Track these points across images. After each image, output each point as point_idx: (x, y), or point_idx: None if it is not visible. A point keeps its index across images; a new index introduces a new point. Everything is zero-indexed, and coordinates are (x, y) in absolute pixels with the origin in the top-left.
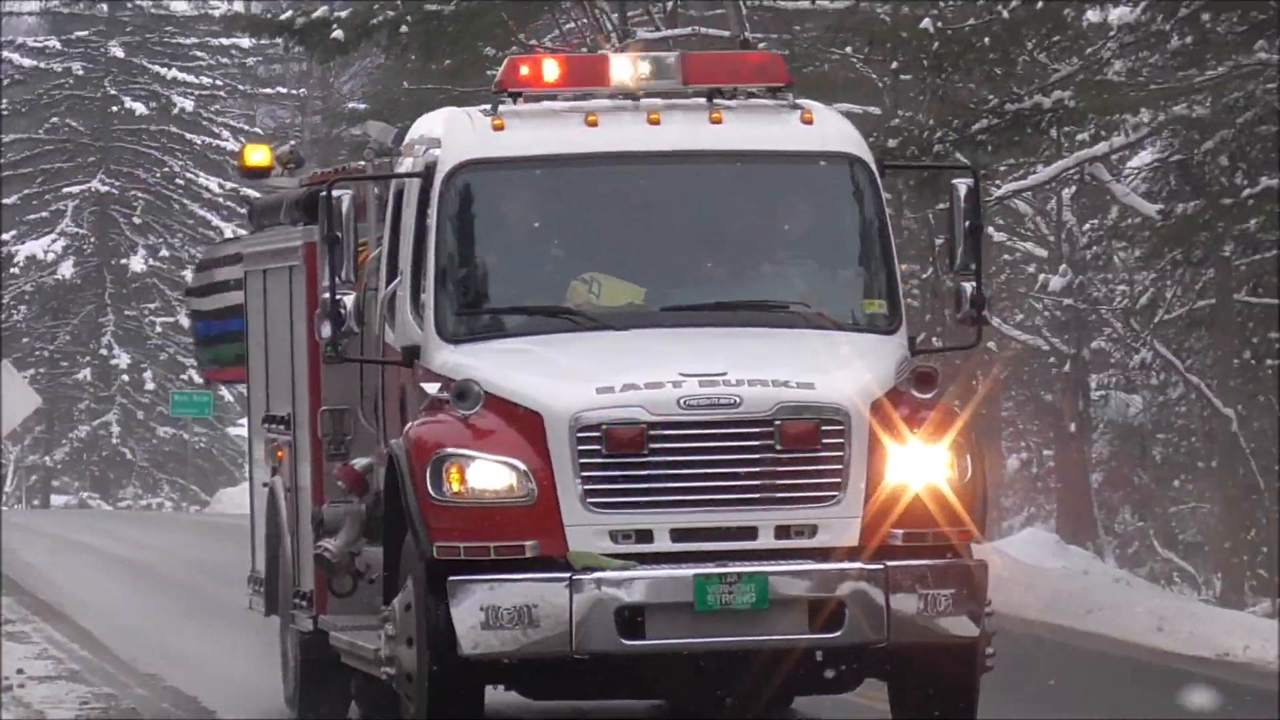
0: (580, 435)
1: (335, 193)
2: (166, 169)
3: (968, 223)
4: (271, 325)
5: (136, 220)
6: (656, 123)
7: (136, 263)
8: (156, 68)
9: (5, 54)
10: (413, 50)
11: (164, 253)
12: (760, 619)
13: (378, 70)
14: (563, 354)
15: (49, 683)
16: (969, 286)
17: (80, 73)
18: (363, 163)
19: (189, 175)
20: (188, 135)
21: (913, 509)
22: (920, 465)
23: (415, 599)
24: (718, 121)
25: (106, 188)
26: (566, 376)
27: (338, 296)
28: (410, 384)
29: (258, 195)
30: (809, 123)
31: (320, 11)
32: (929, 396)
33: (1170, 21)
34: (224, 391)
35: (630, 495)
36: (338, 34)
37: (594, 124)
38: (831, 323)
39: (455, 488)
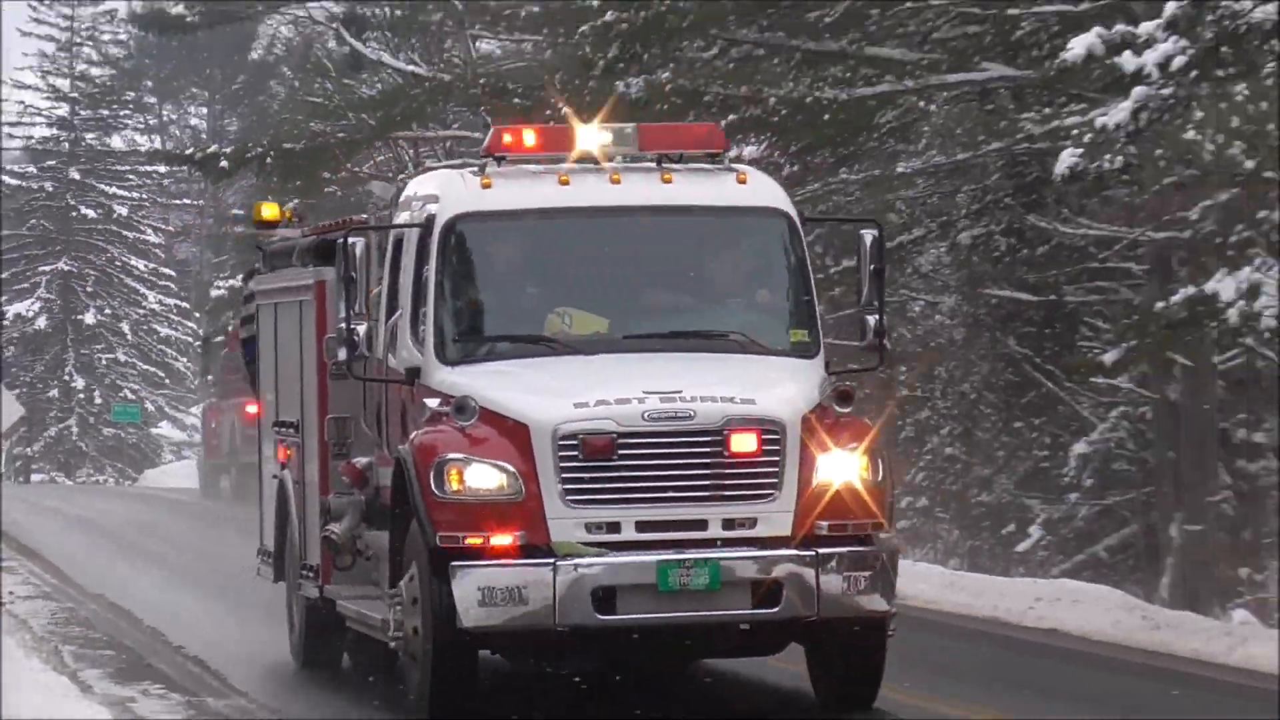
0: (560, 443)
1: (351, 240)
2: (109, 254)
3: (873, 266)
4: (282, 348)
5: (89, 289)
6: (618, 182)
7: (89, 318)
8: (102, 185)
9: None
10: (274, 174)
11: (108, 310)
12: (712, 598)
13: (251, 187)
14: (543, 375)
15: (30, 601)
16: (873, 320)
17: (50, 189)
18: (365, 215)
19: (124, 259)
20: (124, 232)
21: (835, 504)
22: (840, 468)
23: (420, 580)
24: (668, 181)
25: (69, 267)
26: (548, 394)
27: (352, 326)
28: (411, 399)
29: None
30: (743, 183)
31: (212, 149)
32: (848, 411)
33: None
34: (149, 404)
35: (601, 493)
36: (225, 164)
37: (565, 183)
38: (763, 349)
39: (455, 487)
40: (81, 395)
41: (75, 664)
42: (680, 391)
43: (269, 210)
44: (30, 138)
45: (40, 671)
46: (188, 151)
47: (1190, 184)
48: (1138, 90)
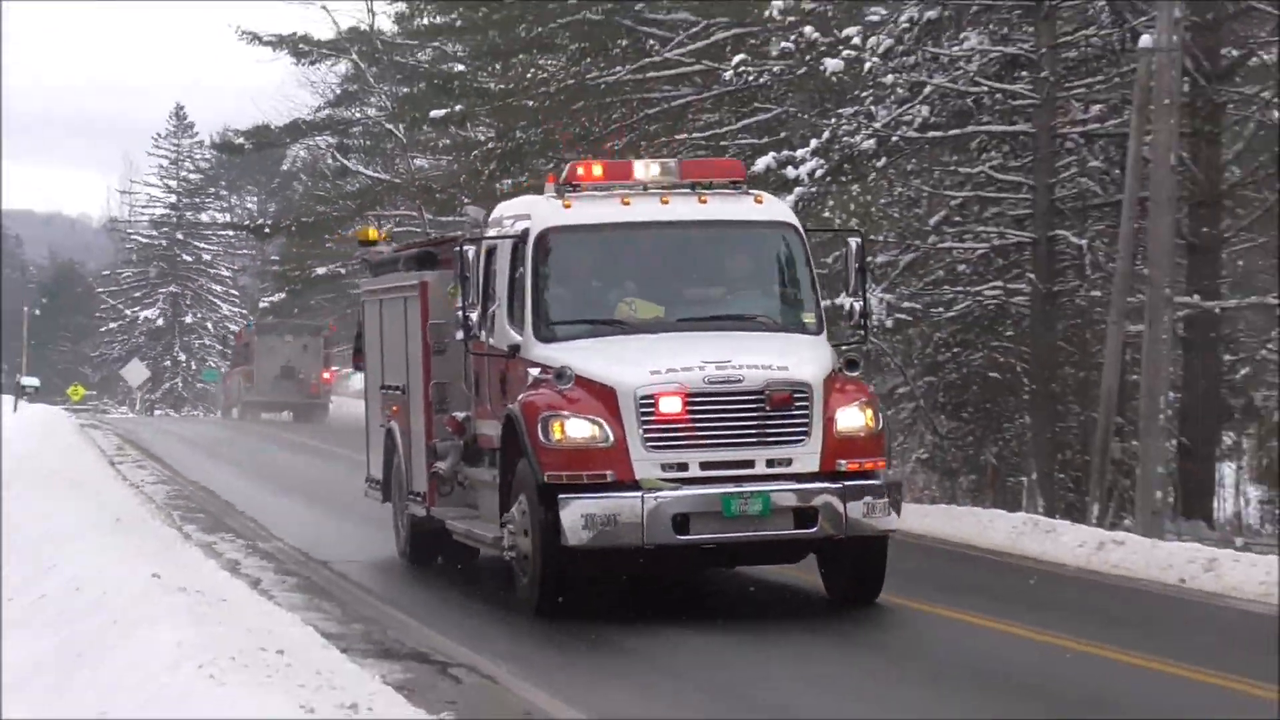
0: (641, 402)
1: (465, 247)
2: (199, 282)
3: (857, 265)
4: (387, 332)
5: (188, 302)
6: (666, 203)
7: (188, 319)
8: (195, 242)
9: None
10: (296, 236)
11: (198, 314)
12: (764, 521)
13: (283, 245)
14: (621, 349)
15: (154, 485)
16: (858, 305)
17: (164, 243)
18: (460, 233)
19: (208, 285)
20: (208, 269)
21: (850, 446)
22: (853, 418)
23: (530, 508)
24: (704, 203)
25: (175, 289)
26: (628, 364)
27: (468, 314)
28: (513, 369)
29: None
30: (760, 203)
31: (260, 221)
32: (856, 375)
33: None
34: (221, 370)
35: (673, 440)
36: (267, 230)
37: (627, 204)
38: (783, 328)
39: (557, 436)
40: (183, 364)
41: (181, 522)
42: (730, 361)
43: (371, 233)
44: (155, 214)
45: (160, 526)
46: (245, 223)
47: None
48: (798, 190)
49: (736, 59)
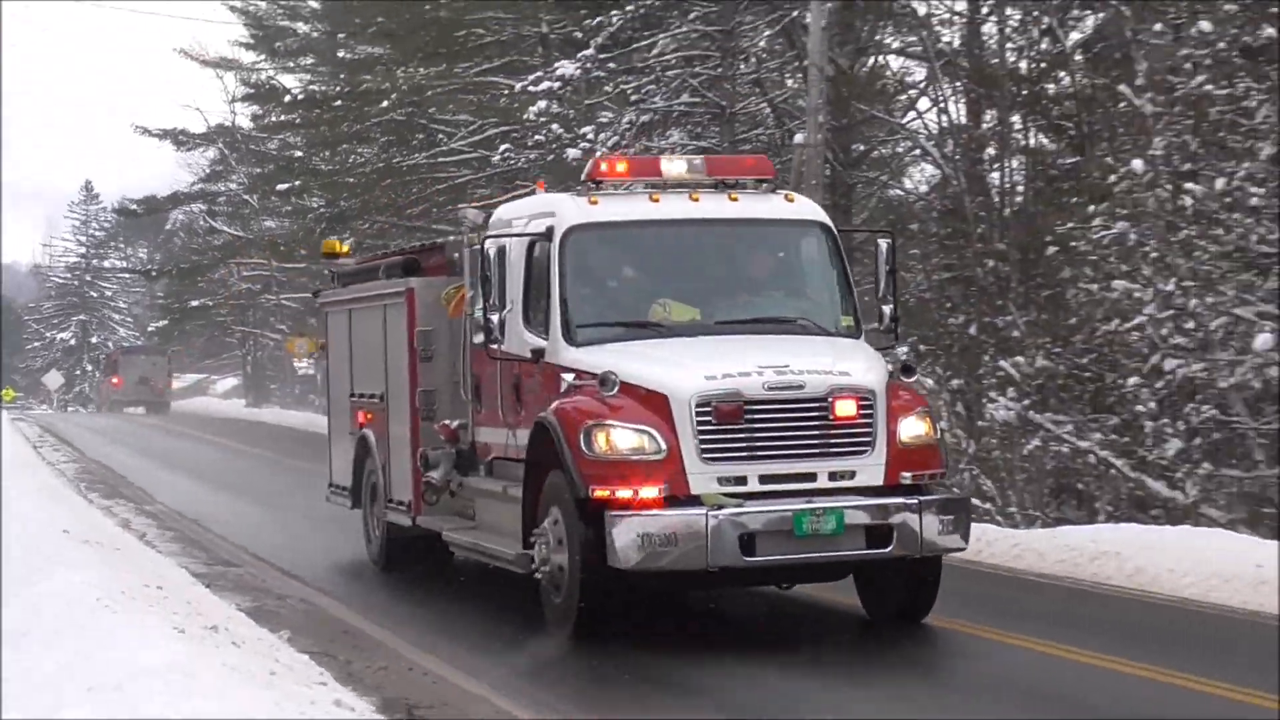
0: (698, 409)
1: (489, 246)
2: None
3: (887, 267)
4: (360, 340)
5: (93, 328)
6: (697, 200)
7: (94, 339)
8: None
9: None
10: (179, 277)
11: (100, 337)
12: (836, 541)
13: (166, 284)
14: (665, 353)
15: (70, 464)
16: (888, 309)
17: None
18: (453, 236)
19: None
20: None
21: (914, 456)
22: (914, 427)
23: (567, 525)
24: (735, 200)
25: (85, 318)
26: (679, 368)
27: (489, 316)
28: (535, 375)
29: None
30: (791, 201)
31: (149, 267)
32: (912, 381)
33: None
34: None
35: (732, 451)
36: (154, 273)
37: (657, 200)
38: (824, 331)
39: (603, 447)
40: (90, 374)
41: (86, 491)
42: (787, 365)
43: (338, 246)
44: (70, 261)
45: (72, 494)
46: (138, 268)
47: None
48: None
49: (502, 148)
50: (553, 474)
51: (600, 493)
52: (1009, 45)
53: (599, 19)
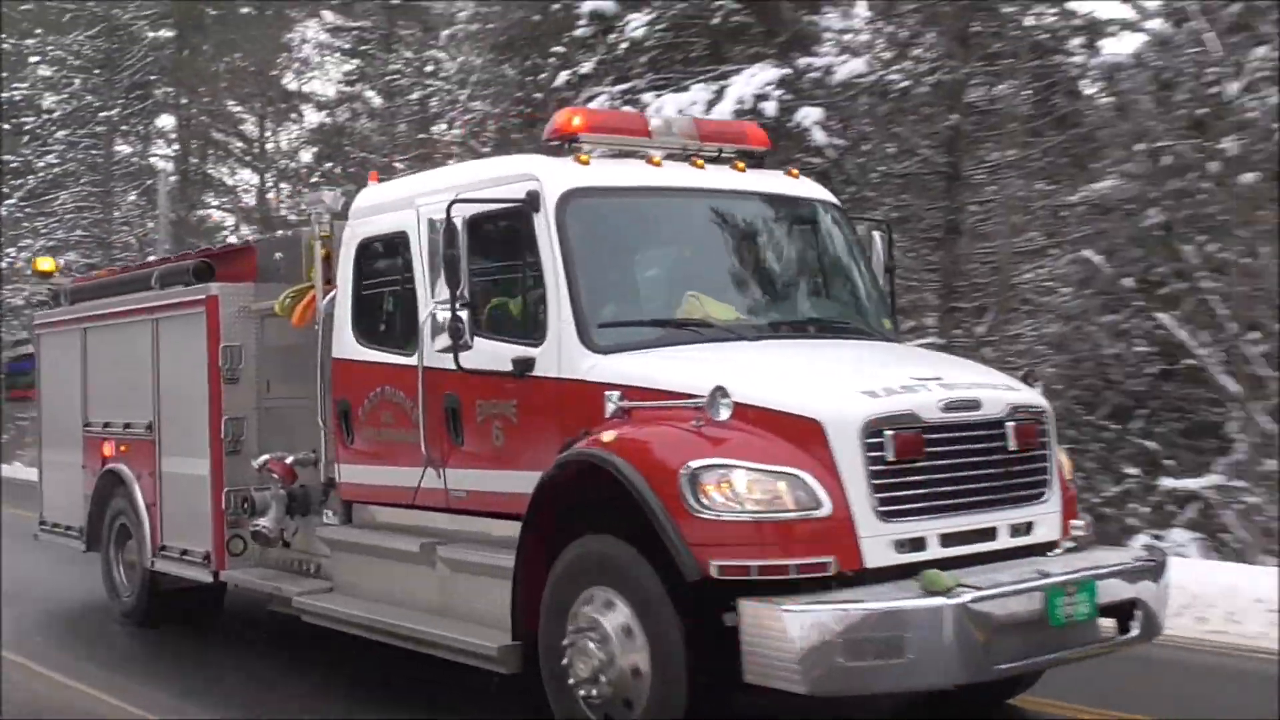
0: (869, 441)
1: (454, 218)
2: None
3: (886, 263)
4: (108, 363)
5: None
6: (702, 167)
7: None
8: None
9: None
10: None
11: None
12: (1090, 627)
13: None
14: (776, 360)
15: None
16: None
17: None
18: (306, 226)
19: None
20: None
21: (1073, 501)
22: (1065, 460)
23: (659, 618)
24: (741, 170)
25: None
26: (824, 381)
27: (458, 313)
28: (527, 394)
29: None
30: (795, 177)
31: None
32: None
33: None
34: None
35: (911, 501)
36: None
37: (658, 164)
38: (872, 333)
39: (722, 499)
40: None
41: None
42: (939, 377)
43: (46, 264)
44: None
45: None
46: None
47: None
48: None
49: None
50: (589, 538)
51: (727, 571)
52: None
53: None
